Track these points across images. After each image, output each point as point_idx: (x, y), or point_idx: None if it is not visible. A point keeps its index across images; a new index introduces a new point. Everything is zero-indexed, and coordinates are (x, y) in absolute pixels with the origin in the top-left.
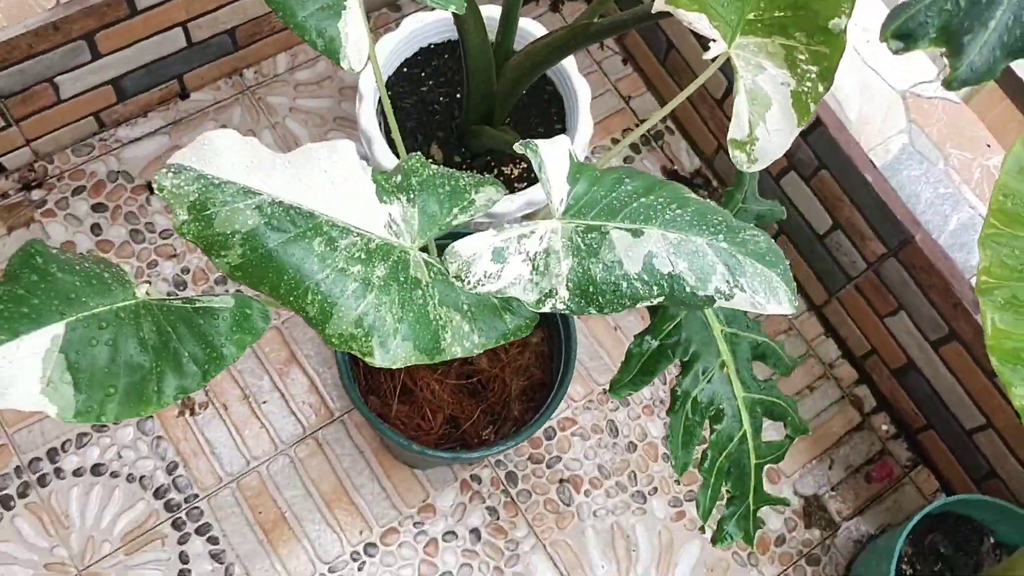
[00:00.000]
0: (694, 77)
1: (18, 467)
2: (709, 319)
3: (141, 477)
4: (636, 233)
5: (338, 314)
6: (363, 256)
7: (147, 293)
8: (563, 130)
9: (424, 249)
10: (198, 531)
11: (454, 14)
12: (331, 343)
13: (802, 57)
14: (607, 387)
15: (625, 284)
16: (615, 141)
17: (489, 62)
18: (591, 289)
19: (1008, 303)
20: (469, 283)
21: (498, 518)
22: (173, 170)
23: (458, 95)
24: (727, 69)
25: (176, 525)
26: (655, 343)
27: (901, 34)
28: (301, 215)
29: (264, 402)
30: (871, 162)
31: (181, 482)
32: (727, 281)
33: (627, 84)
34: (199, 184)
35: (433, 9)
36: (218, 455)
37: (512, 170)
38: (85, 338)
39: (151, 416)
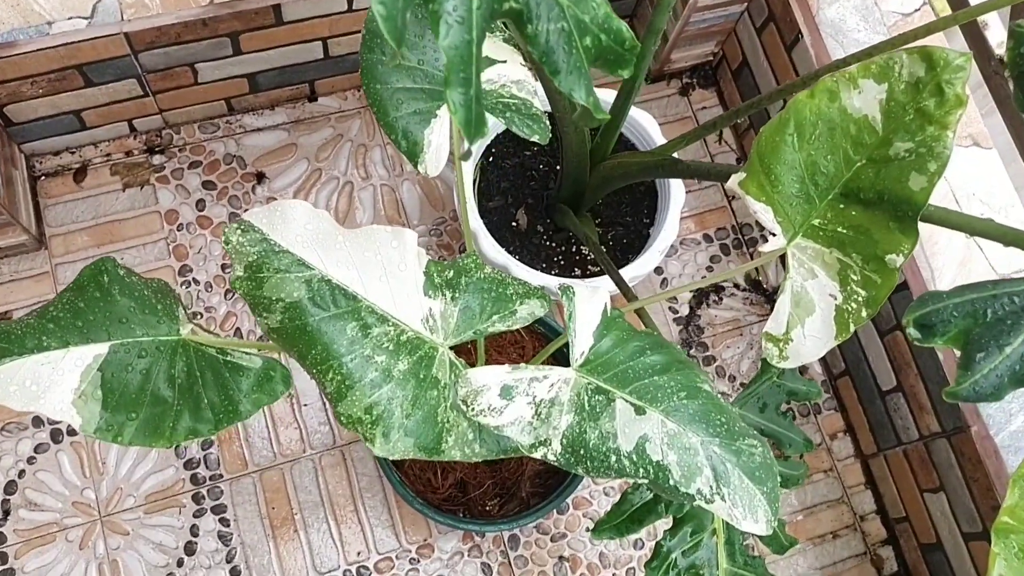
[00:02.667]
0: None
1: None
2: None
3: (178, 445)
4: (639, 411)
5: (352, 397)
6: (391, 348)
7: (192, 331)
8: (650, 225)
9: (456, 348)
10: (214, 509)
11: (556, 118)
12: (339, 420)
13: (855, 278)
14: (592, 526)
15: (614, 458)
16: (707, 238)
17: (584, 157)
18: (582, 452)
19: (1022, 551)
20: (473, 411)
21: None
22: (242, 228)
23: (558, 167)
24: None
25: (196, 499)
26: (650, 494)
27: (923, 324)
28: (345, 296)
29: (306, 404)
30: None
31: (211, 459)
32: (710, 486)
33: None
34: (261, 247)
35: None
36: (251, 443)
37: (587, 253)
38: (124, 362)
39: None
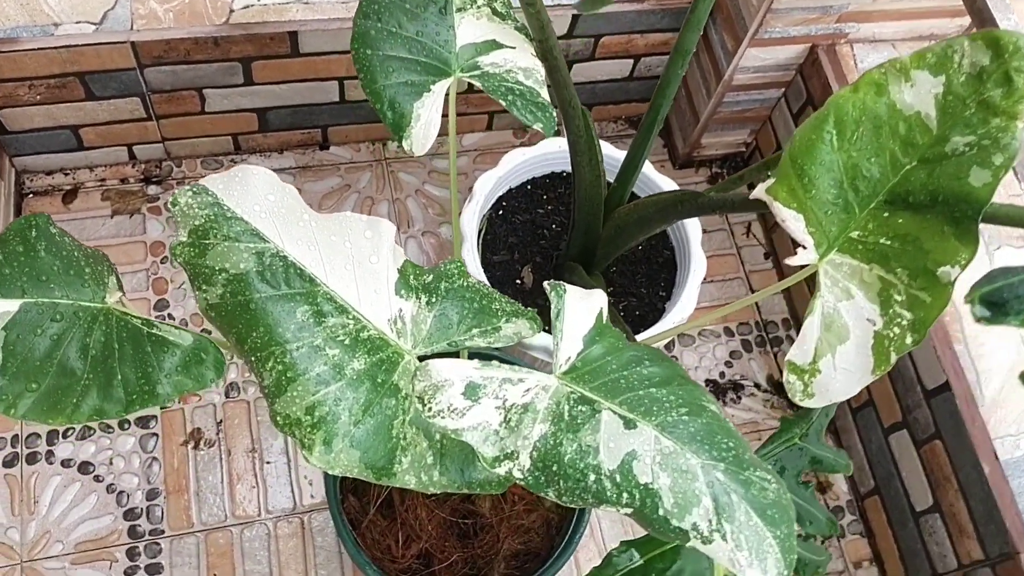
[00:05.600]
0: None
1: (16, 436)
2: None
3: (120, 492)
4: (629, 424)
5: (293, 392)
6: (347, 342)
7: (120, 302)
8: (666, 299)
9: (421, 359)
10: (148, 569)
11: (571, 143)
12: (275, 422)
13: (899, 298)
14: None
15: (592, 477)
16: (728, 332)
17: (598, 201)
18: (555, 468)
19: None
20: (430, 409)
21: None
22: (195, 190)
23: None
24: None
25: (131, 554)
26: (640, 560)
27: (991, 301)
28: (300, 276)
29: (268, 462)
30: (994, 452)
31: (155, 512)
32: (710, 520)
33: (760, 279)
34: (211, 211)
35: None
36: (202, 498)
37: None
38: (34, 324)
39: (156, 434)
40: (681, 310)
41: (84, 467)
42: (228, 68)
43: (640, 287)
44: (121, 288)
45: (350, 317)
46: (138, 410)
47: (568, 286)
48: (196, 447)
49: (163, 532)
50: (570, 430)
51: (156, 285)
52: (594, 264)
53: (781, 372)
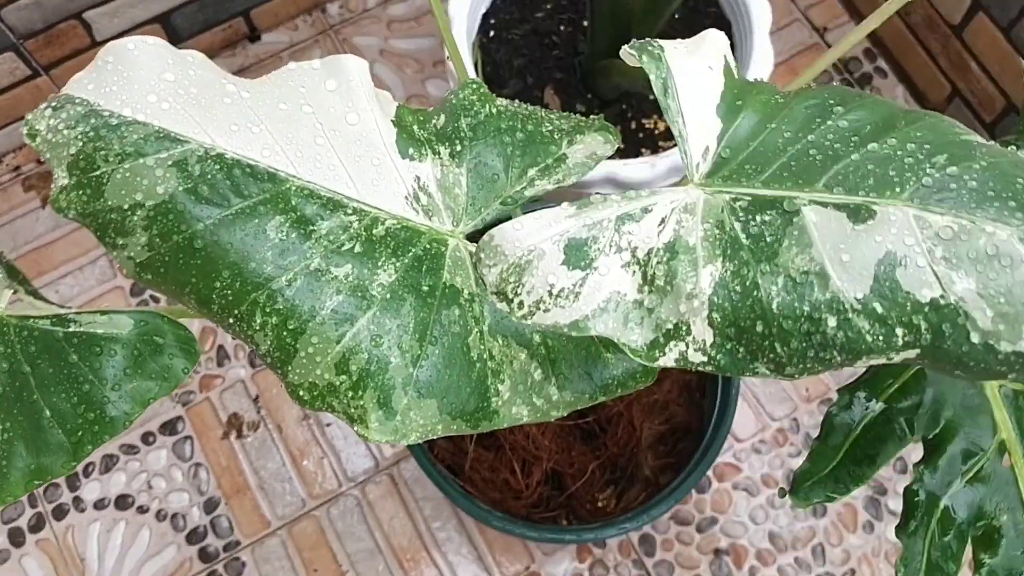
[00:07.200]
0: None
1: (31, 495)
2: None
3: (174, 515)
4: (858, 214)
5: (308, 348)
6: (358, 248)
7: (16, 302)
8: None
9: (473, 238)
10: None
11: None
12: (299, 399)
13: None
14: (787, 486)
15: (833, 321)
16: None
17: None
18: (759, 327)
19: None
20: (521, 305)
21: None
22: (55, 105)
23: (584, 23)
24: None
25: None
26: (878, 405)
27: None
28: (253, 176)
29: (328, 424)
30: None
31: (221, 524)
32: None
33: (822, 12)
34: (87, 125)
35: None
36: (268, 491)
37: (656, 123)
38: None
39: (189, 436)
40: (756, 71)
41: (122, 502)
42: None
43: None
44: (19, 281)
45: (350, 212)
46: (92, 450)
47: (663, 42)
48: (240, 435)
49: (239, 543)
50: (761, 259)
51: None
52: None
53: None
